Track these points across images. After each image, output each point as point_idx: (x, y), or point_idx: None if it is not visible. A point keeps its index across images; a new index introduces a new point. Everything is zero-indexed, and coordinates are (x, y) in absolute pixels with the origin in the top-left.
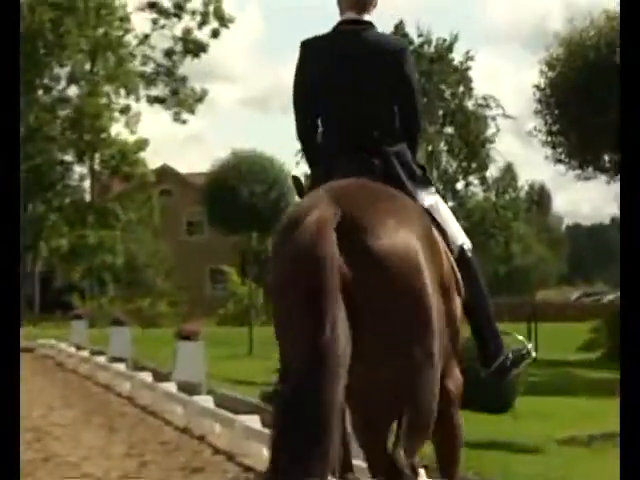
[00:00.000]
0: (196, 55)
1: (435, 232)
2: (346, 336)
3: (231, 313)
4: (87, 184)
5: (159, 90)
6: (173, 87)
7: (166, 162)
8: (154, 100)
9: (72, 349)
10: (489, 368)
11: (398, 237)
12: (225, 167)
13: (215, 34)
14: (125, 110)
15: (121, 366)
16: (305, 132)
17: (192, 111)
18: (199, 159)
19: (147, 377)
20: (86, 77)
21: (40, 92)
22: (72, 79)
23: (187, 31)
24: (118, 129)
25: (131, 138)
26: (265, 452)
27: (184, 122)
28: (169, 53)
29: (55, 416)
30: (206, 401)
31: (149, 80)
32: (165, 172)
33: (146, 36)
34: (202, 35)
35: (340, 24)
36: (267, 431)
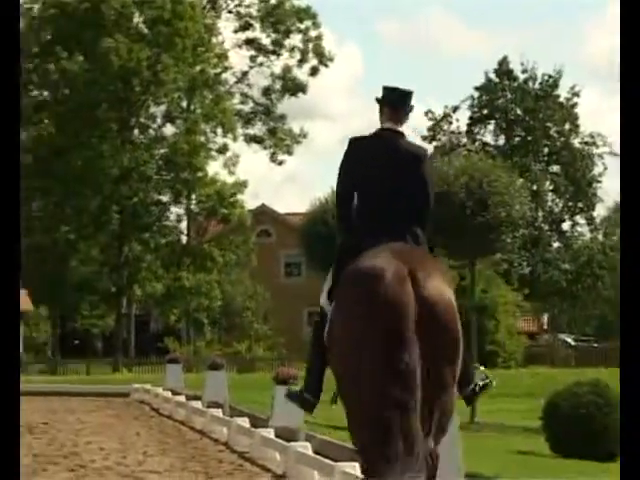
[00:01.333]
0: (294, 94)
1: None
2: (418, 357)
3: None
4: (183, 225)
5: (257, 129)
6: (271, 126)
7: (264, 202)
8: (251, 139)
9: (168, 394)
10: (461, 394)
11: (440, 286)
12: (324, 207)
13: (314, 72)
14: (222, 149)
15: (218, 411)
16: (345, 207)
17: (289, 152)
18: (297, 199)
19: (244, 423)
20: (183, 115)
21: (136, 131)
22: (168, 117)
23: (286, 69)
24: (216, 169)
25: (229, 179)
26: None
27: (280, 163)
28: (267, 91)
29: (151, 462)
30: (305, 447)
31: (247, 119)
32: (263, 212)
33: (244, 74)
34: (301, 73)
35: (380, 131)
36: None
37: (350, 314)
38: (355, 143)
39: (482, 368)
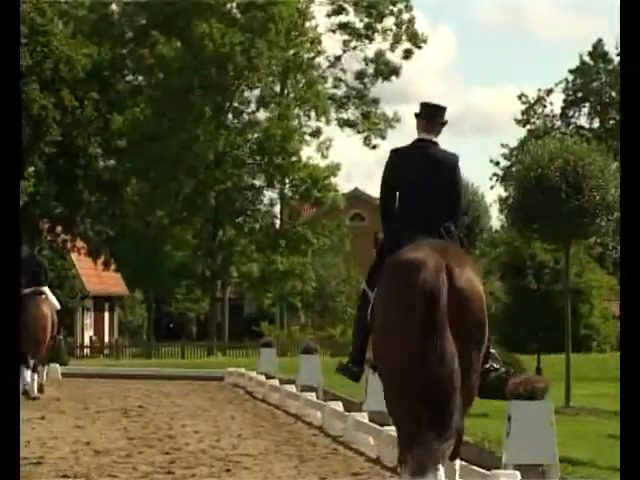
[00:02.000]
0: (387, 78)
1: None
2: (450, 339)
3: None
4: (277, 209)
5: (350, 113)
6: (364, 110)
7: (357, 186)
8: (345, 123)
9: (262, 377)
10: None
11: (472, 278)
12: None
13: (407, 55)
14: (316, 133)
15: (311, 395)
16: (387, 209)
17: (383, 136)
18: None
19: (338, 406)
20: (276, 100)
21: (230, 116)
22: (262, 102)
23: (379, 53)
24: (309, 153)
25: (322, 163)
26: None
27: (374, 147)
28: (361, 75)
29: (245, 446)
30: None
31: (340, 103)
32: (357, 196)
33: (337, 58)
34: (394, 57)
35: (417, 141)
36: (462, 463)
37: (392, 299)
38: (394, 153)
39: (496, 355)
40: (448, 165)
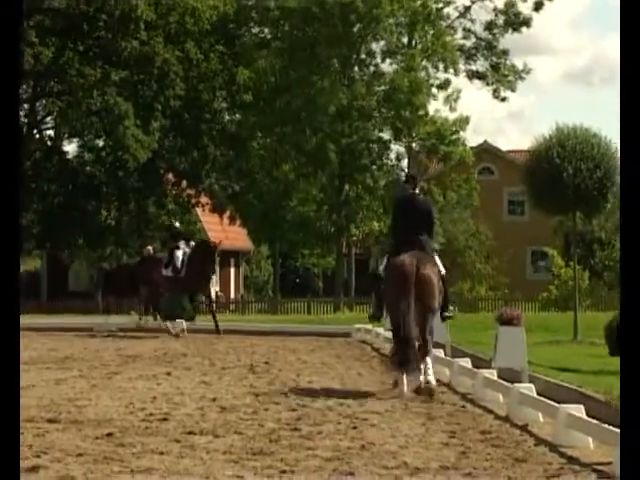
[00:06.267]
0: (517, 29)
1: (438, 267)
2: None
3: (554, 297)
4: (404, 163)
5: (479, 65)
6: (493, 62)
7: (486, 139)
8: (474, 75)
9: (389, 334)
10: (441, 315)
11: (431, 272)
12: (548, 144)
13: (538, 7)
14: (444, 85)
15: (439, 352)
16: (394, 230)
17: (512, 88)
18: (520, 135)
19: (466, 363)
20: (403, 51)
21: (356, 68)
22: (388, 53)
23: (509, 3)
24: (437, 106)
25: (451, 116)
26: (591, 443)
27: (503, 100)
28: (490, 26)
29: (372, 403)
30: (528, 389)
31: (469, 54)
32: (486, 149)
33: (467, 8)
34: (524, 7)
35: (409, 194)
36: (592, 421)
37: (391, 279)
38: (399, 199)
39: (451, 307)
40: (426, 206)
